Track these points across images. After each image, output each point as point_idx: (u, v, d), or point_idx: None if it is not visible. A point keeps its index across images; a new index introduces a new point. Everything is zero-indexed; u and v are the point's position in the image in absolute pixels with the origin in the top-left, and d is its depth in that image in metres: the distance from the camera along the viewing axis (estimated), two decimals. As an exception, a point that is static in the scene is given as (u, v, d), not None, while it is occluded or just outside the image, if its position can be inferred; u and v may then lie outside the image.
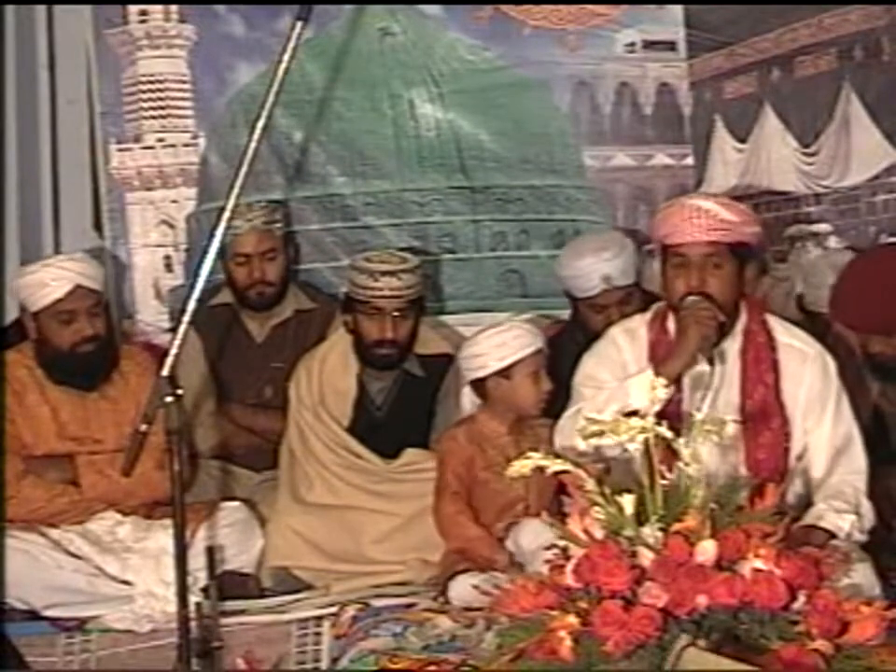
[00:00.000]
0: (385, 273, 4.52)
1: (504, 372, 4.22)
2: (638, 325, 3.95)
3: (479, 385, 4.29)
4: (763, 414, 3.80)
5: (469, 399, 4.36)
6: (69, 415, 4.47)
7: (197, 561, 3.90)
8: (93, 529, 4.37)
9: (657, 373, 3.55)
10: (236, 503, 4.52)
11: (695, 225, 3.76)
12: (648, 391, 3.23)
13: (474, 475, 4.28)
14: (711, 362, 3.79)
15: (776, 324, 3.95)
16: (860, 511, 3.76)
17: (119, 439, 4.36)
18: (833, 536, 3.66)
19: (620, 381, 3.78)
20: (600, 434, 2.97)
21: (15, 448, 4.40)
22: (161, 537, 4.17)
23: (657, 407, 3.00)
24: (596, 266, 4.62)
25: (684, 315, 3.75)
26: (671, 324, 3.88)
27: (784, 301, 5.52)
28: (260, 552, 4.48)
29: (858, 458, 3.88)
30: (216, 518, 4.38)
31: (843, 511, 3.71)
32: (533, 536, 3.92)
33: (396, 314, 4.54)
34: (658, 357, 3.81)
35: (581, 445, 3.30)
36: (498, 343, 4.21)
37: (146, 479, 4.23)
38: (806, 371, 3.89)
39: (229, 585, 4.17)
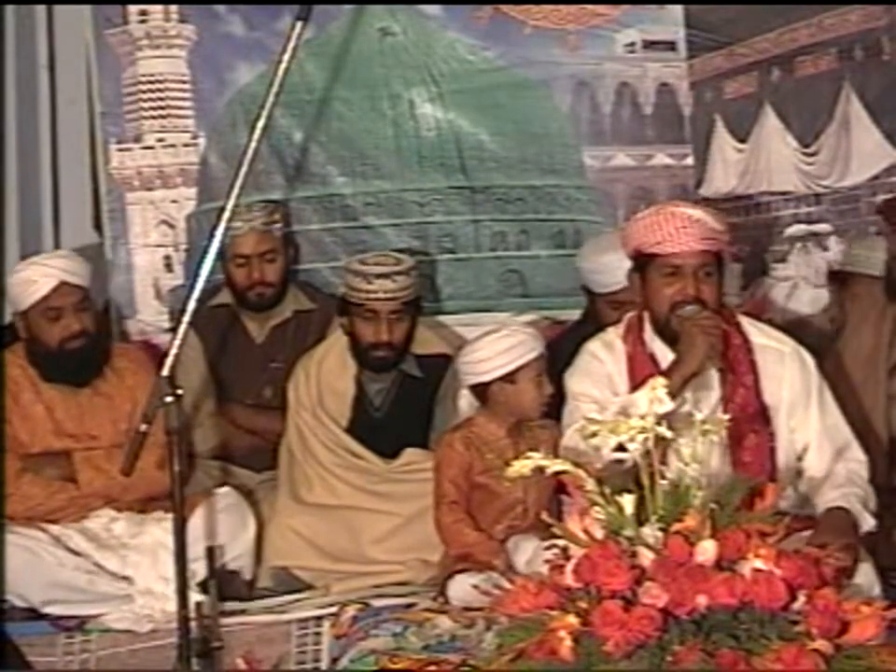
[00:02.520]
0: (379, 276, 4.52)
1: (509, 377, 4.21)
2: (614, 337, 3.95)
3: (480, 389, 4.28)
4: (746, 416, 3.80)
5: (466, 402, 4.35)
6: (64, 412, 4.48)
7: (192, 551, 3.88)
8: (90, 527, 4.38)
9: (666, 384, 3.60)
10: (226, 489, 4.52)
11: (690, 234, 3.76)
12: (649, 393, 3.26)
13: (472, 480, 4.27)
14: (724, 371, 3.80)
15: (748, 325, 3.96)
16: (868, 502, 3.78)
17: (114, 435, 4.40)
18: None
19: (610, 394, 3.78)
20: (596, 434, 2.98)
21: (12, 447, 4.42)
22: (156, 531, 4.21)
23: (657, 408, 3.00)
24: (621, 262, 4.60)
25: (690, 324, 3.74)
26: (647, 335, 3.89)
27: (784, 301, 5.53)
28: (254, 540, 4.48)
29: (854, 448, 3.90)
30: (209, 504, 4.37)
31: (857, 497, 3.74)
32: (528, 556, 3.92)
33: (391, 316, 4.54)
34: (637, 369, 3.82)
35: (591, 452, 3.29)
36: (504, 348, 4.19)
37: (143, 474, 4.21)
38: (786, 370, 3.90)
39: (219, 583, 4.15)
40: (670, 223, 3.77)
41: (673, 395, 3.50)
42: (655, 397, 3.01)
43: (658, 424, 2.94)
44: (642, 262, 3.84)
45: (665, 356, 3.84)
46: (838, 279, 5.09)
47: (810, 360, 3.94)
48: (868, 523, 3.73)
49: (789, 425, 3.88)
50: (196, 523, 4.29)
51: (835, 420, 3.92)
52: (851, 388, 4.51)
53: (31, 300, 4.43)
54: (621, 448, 2.93)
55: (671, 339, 3.81)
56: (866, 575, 3.57)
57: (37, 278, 4.42)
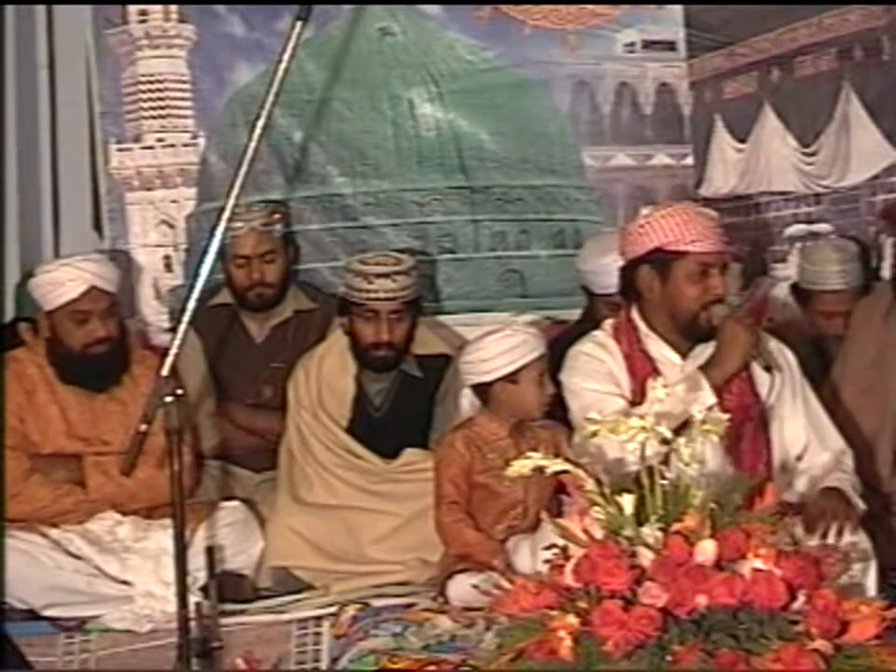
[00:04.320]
0: (379, 276, 4.52)
1: (511, 377, 4.21)
2: (605, 337, 3.97)
3: (483, 389, 4.27)
4: (742, 407, 3.83)
5: (468, 401, 4.35)
6: (78, 415, 4.47)
7: (196, 561, 3.90)
8: (93, 529, 4.37)
9: (708, 379, 3.71)
10: (235, 503, 4.52)
11: (718, 233, 3.84)
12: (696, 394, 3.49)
13: (473, 480, 4.26)
14: (769, 369, 3.84)
15: None
16: (855, 488, 3.85)
17: (126, 441, 4.34)
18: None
19: (615, 390, 3.83)
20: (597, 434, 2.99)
21: (23, 446, 4.40)
22: (161, 537, 4.17)
23: (657, 407, 3.01)
24: (620, 264, 4.60)
25: (732, 321, 3.79)
26: (642, 333, 3.91)
27: (784, 301, 5.53)
28: (260, 552, 4.48)
29: (838, 439, 3.98)
30: (215, 518, 4.38)
31: (847, 481, 3.83)
32: (527, 559, 3.93)
33: (391, 315, 4.54)
34: (636, 367, 3.85)
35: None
36: (507, 348, 4.19)
37: (150, 482, 4.23)
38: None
39: (224, 586, 4.16)
40: (703, 223, 3.82)
41: (718, 390, 3.55)
42: (651, 391, 3.03)
43: (657, 424, 2.94)
44: (662, 260, 3.84)
45: (661, 353, 3.89)
46: (799, 292, 5.08)
47: (792, 356, 4.00)
48: (858, 506, 3.77)
49: (780, 414, 3.93)
50: (203, 535, 4.29)
51: (819, 413, 4.00)
52: (854, 394, 4.54)
53: (58, 301, 4.40)
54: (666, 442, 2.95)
55: (692, 336, 3.85)
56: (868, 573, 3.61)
57: (67, 280, 4.39)
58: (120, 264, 5.49)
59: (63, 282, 4.39)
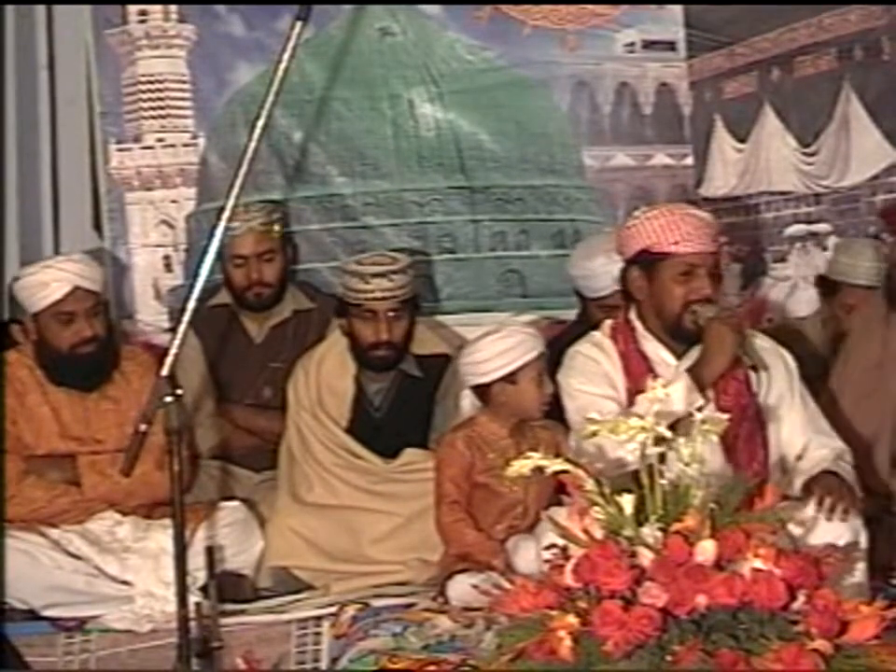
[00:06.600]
0: (375, 275, 4.52)
1: (509, 377, 4.21)
2: (602, 338, 3.99)
3: (482, 390, 4.28)
4: (739, 407, 3.84)
5: (469, 401, 4.36)
6: (70, 415, 4.47)
7: (196, 561, 3.90)
8: (93, 529, 4.37)
9: (695, 379, 3.72)
10: (235, 503, 4.52)
11: (705, 234, 3.85)
12: (685, 394, 3.50)
13: (473, 480, 4.27)
14: (755, 368, 3.84)
15: None
16: (854, 478, 3.88)
17: (120, 439, 4.33)
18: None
19: (611, 391, 3.85)
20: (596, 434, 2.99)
21: (16, 448, 4.40)
22: (161, 537, 4.17)
23: (657, 407, 3.01)
24: (609, 267, 4.58)
25: (718, 322, 3.79)
26: (639, 333, 3.92)
27: (784, 301, 5.54)
28: (260, 552, 4.48)
29: (836, 438, 4.00)
30: (215, 518, 4.38)
31: (845, 471, 3.85)
32: (528, 562, 3.93)
33: (389, 314, 4.54)
34: (632, 367, 3.88)
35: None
36: (504, 349, 4.19)
37: (146, 479, 4.23)
38: (770, 364, 3.93)
39: (224, 586, 4.16)
40: (687, 223, 3.83)
41: (703, 391, 3.57)
42: (651, 392, 3.03)
43: (657, 424, 2.94)
44: (648, 262, 3.85)
45: (656, 354, 3.91)
46: (826, 284, 5.09)
47: (790, 357, 4.02)
48: (857, 493, 3.80)
49: (777, 414, 3.95)
50: (203, 535, 4.29)
51: (818, 413, 4.03)
52: (855, 397, 4.54)
53: (43, 303, 4.39)
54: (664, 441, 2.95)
55: (680, 337, 3.87)
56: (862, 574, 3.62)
57: (51, 282, 4.38)
58: (117, 264, 5.53)
59: (47, 283, 4.39)
